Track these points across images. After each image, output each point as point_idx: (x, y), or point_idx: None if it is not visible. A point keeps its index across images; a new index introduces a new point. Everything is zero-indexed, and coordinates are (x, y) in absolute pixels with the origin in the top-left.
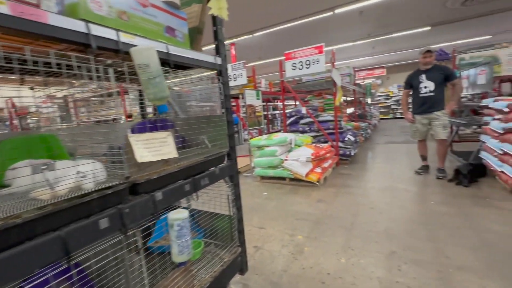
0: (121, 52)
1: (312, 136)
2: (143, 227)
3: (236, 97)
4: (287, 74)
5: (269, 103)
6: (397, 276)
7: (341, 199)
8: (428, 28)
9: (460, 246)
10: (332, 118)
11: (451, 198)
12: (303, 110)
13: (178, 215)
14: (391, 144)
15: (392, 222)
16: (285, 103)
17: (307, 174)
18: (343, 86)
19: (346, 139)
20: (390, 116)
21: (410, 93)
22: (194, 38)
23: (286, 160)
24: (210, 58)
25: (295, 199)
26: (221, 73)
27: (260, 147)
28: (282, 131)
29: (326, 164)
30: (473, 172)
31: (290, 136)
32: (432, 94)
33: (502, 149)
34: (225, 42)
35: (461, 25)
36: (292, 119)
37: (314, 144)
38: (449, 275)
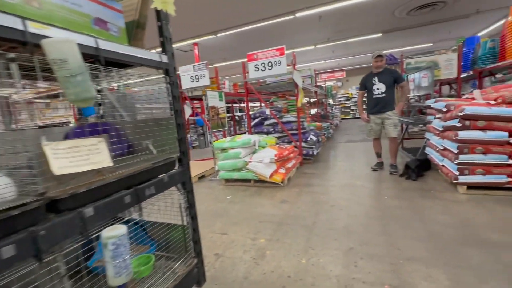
0: (29, 44)
1: (277, 137)
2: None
3: (200, 99)
4: (250, 75)
5: (235, 105)
6: (354, 273)
7: (304, 198)
8: (380, 34)
9: (410, 238)
10: (295, 119)
11: (402, 192)
12: (267, 112)
13: (113, 233)
14: (350, 142)
15: (351, 218)
16: (251, 104)
17: (271, 175)
18: (305, 88)
19: (308, 139)
20: (350, 116)
21: (365, 94)
22: (134, 33)
23: (250, 162)
24: (154, 56)
25: (259, 201)
26: (168, 72)
27: (224, 150)
28: (247, 132)
29: (290, 164)
30: (420, 167)
31: (253, 137)
32: (383, 95)
33: (442, 145)
34: (187, 42)
35: (408, 32)
36: (256, 120)
37: (278, 145)
38: (400, 267)
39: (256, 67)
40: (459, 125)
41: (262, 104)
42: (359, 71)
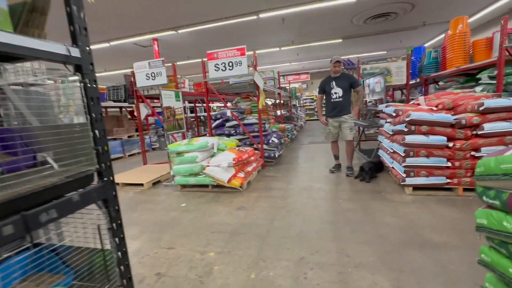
0: None
1: (238, 139)
2: None
3: (158, 98)
4: (210, 75)
5: (198, 105)
6: (303, 285)
7: (262, 204)
8: (340, 40)
9: (359, 242)
10: (257, 121)
11: (356, 194)
12: (228, 113)
13: None
14: (312, 144)
15: (305, 224)
16: (218, 105)
17: (229, 180)
18: (267, 89)
19: (270, 141)
20: (315, 117)
21: (324, 97)
22: (26, 18)
23: (207, 166)
24: (58, 48)
25: (215, 208)
26: (82, 69)
27: (179, 153)
28: (207, 134)
29: (250, 168)
30: (373, 169)
31: (211, 140)
32: (341, 99)
33: (392, 148)
34: (146, 37)
35: (365, 40)
36: (217, 122)
37: (237, 148)
38: (347, 276)
39: (216, 67)
40: (405, 129)
41: (228, 104)
42: (322, 74)
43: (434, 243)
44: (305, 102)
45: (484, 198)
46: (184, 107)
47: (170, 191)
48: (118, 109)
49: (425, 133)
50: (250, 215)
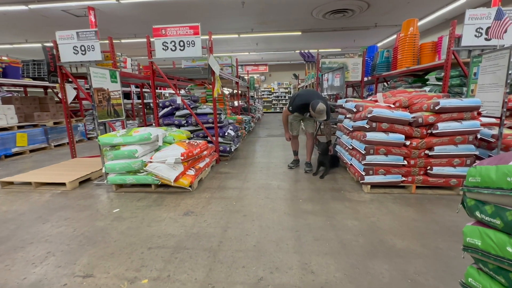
0: None
1: (190, 131)
2: None
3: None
4: (157, 54)
5: (146, 90)
6: None
7: (214, 206)
8: (299, 33)
9: (323, 254)
10: (211, 111)
11: (315, 193)
12: (178, 100)
13: None
14: (270, 137)
15: (263, 232)
16: (166, 92)
17: (176, 179)
18: (224, 77)
19: (226, 134)
20: (272, 110)
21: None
22: None
23: (150, 162)
24: None
25: (157, 214)
26: None
27: (114, 146)
28: (154, 124)
29: (202, 164)
30: (331, 164)
31: (156, 131)
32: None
33: (351, 145)
34: (78, 3)
35: (322, 35)
36: (166, 110)
37: (188, 141)
38: None
39: (164, 45)
40: (367, 126)
41: (182, 91)
42: (281, 67)
43: (398, 250)
44: (263, 94)
45: (476, 213)
46: (130, 92)
47: (102, 193)
48: (42, 90)
49: (385, 131)
50: (200, 222)
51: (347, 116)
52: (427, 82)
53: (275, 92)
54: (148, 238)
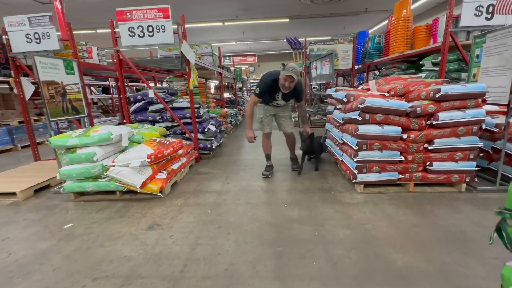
0: None
1: (166, 127)
2: None
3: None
4: (123, 42)
5: (133, 84)
6: None
7: (186, 216)
8: (287, 20)
9: (310, 278)
10: (188, 105)
11: (303, 194)
12: (151, 94)
13: None
14: (258, 131)
15: (238, 248)
16: (138, 85)
17: (143, 184)
18: (205, 67)
19: (206, 130)
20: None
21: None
22: None
23: (112, 166)
24: None
25: (116, 228)
26: None
27: (70, 149)
28: (125, 122)
29: (176, 165)
30: (318, 152)
31: (119, 130)
32: (279, 106)
33: (342, 139)
34: None
35: (311, 22)
36: (138, 105)
37: (158, 140)
38: None
39: (131, 31)
40: (359, 118)
41: (164, 85)
42: (270, 58)
43: (398, 268)
44: (252, 86)
45: None
46: (109, 86)
47: (59, 203)
48: (7, 86)
49: (379, 123)
50: (165, 238)
51: (337, 107)
52: (422, 68)
53: None
54: (97, 263)
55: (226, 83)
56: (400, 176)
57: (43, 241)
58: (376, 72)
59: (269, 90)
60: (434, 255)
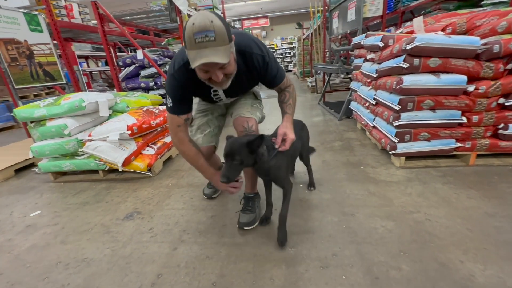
0: None
1: (161, 95)
2: None
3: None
4: None
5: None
6: None
7: (174, 201)
8: None
9: None
10: None
11: (323, 171)
12: (140, 55)
13: None
14: (270, 98)
15: (234, 249)
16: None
17: (126, 161)
18: None
19: None
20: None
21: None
22: None
23: (88, 140)
24: None
25: (88, 217)
26: None
27: (38, 122)
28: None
29: (169, 138)
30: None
31: (94, 97)
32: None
33: (375, 98)
34: None
35: None
36: (129, 70)
37: (145, 109)
38: None
39: None
40: (405, 65)
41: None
42: (284, 19)
43: None
44: None
45: None
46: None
47: (36, 184)
48: None
49: (434, 70)
50: (142, 232)
51: (369, 57)
52: (481, 3)
53: (279, 49)
54: (49, 268)
55: None
56: (458, 144)
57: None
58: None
59: (189, 91)
60: None
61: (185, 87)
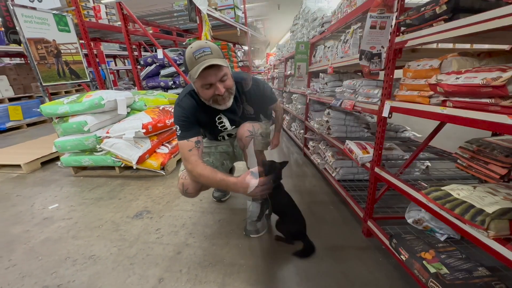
0: None
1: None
2: None
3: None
4: None
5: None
6: None
7: (183, 203)
8: None
9: None
10: None
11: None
12: (160, 54)
13: None
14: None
15: (238, 253)
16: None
17: (141, 159)
18: (220, 19)
19: None
20: None
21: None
22: None
23: (106, 137)
24: None
25: (100, 213)
26: None
27: (62, 118)
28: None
29: None
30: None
31: (113, 95)
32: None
33: None
34: None
35: None
36: (150, 69)
37: (162, 108)
38: None
39: None
40: None
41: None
42: None
43: None
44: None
45: None
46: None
47: (58, 178)
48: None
49: None
50: (149, 232)
51: None
52: None
53: None
54: (58, 263)
55: (258, 48)
56: None
57: (18, 225)
58: None
59: (196, 119)
60: None
61: (191, 114)
